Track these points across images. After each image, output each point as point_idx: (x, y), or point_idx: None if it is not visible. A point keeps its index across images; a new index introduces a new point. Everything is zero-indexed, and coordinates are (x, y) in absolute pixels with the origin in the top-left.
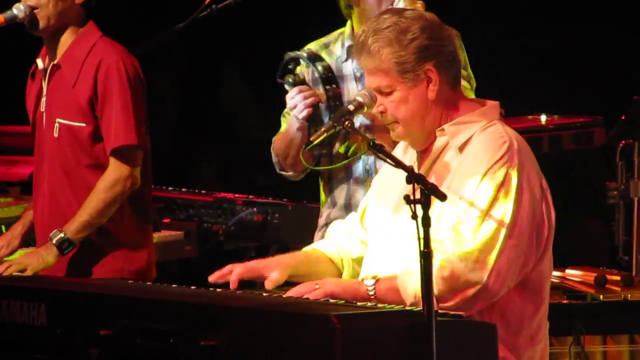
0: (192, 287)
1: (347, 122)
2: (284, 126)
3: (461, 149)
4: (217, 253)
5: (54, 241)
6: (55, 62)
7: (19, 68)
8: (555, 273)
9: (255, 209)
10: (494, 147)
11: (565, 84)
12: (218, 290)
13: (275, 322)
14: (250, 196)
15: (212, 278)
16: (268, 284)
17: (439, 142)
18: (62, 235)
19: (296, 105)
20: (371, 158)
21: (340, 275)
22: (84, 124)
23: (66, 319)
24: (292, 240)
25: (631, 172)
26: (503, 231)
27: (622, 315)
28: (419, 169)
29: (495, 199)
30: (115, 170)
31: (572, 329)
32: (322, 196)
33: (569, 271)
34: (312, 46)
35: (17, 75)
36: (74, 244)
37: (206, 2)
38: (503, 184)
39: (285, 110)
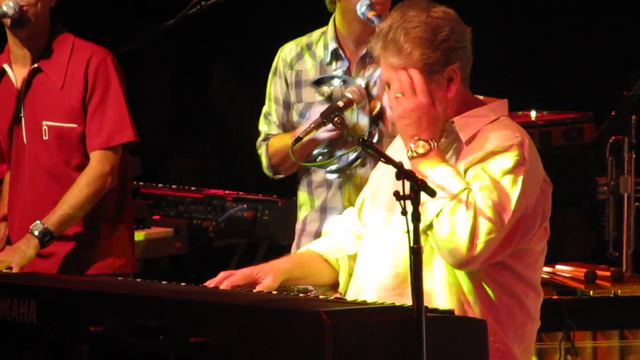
0: (182, 284)
1: (336, 119)
2: (266, 127)
3: (469, 142)
4: (207, 250)
5: (35, 233)
6: (36, 65)
7: None
8: (545, 269)
9: (245, 206)
10: (505, 137)
11: (555, 80)
12: (208, 287)
13: (265, 319)
14: (241, 193)
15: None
16: (259, 289)
17: (448, 137)
18: (44, 226)
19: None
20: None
21: (335, 275)
22: (74, 125)
23: (56, 316)
24: (282, 236)
25: (621, 168)
26: (507, 213)
27: (612, 310)
28: None
29: (503, 176)
30: (99, 165)
31: (562, 325)
32: (301, 200)
33: (558, 267)
34: (293, 46)
35: None
36: (55, 236)
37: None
38: (511, 171)
39: (267, 110)
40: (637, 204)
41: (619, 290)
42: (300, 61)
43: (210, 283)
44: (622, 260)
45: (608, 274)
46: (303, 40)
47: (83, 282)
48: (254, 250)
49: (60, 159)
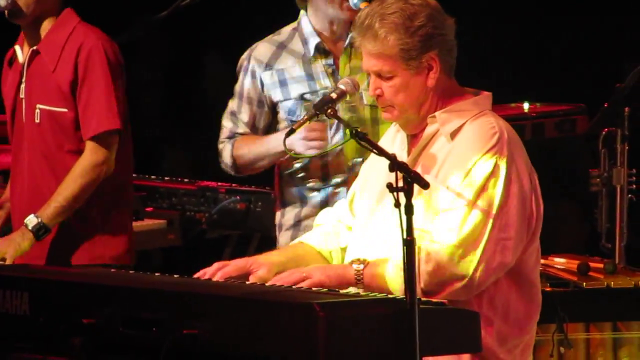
0: (175, 276)
1: (329, 110)
2: (231, 124)
3: (452, 136)
4: (200, 241)
5: (29, 227)
6: (35, 48)
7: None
8: None
9: (238, 197)
10: (484, 137)
11: (548, 72)
12: (201, 279)
13: (257, 311)
14: (233, 184)
15: (198, 275)
16: (253, 280)
17: (430, 128)
18: (38, 220)
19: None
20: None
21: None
22: (65, 110)
23: (49, 308)
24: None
25: (614, 160)
26: (490, 222)
27: (605, 302)
28: (408, 154)
29: (482, 189)
30: (93, 154)
31: (555, 317)
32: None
33: (552, 259)
34: (267, 45)
35: None
36: (49, 230)
37: None
38: (492, 175)
39: (234, 108)
40: (630, 196)
41: (612, 282)
42: (279, 59)
43: (204, 274)
44: (615, 252)
45: (601, 265)
46: (274, 38)
47: (76, 274)
48: (247, 241)
49: (53, 143)
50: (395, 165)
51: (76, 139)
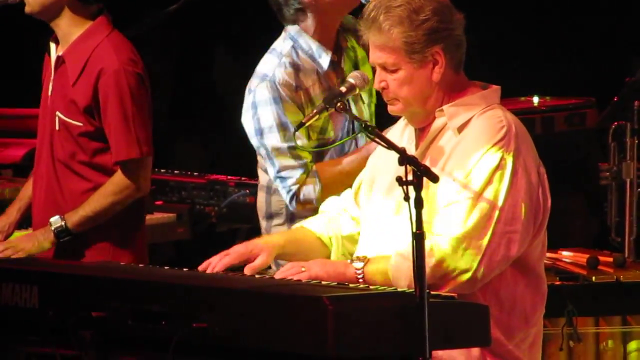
0: (185, 269)
1: (339, 104)
2: (292, 161)
3: (460, 130)
4: (209, 235)
5: (52, 227)
6: (61, 54)
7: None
8: (547, 254)
9: (247, 191)
10: (491, 131)
11: (558, 65)
12: (210, 273)
13: (266, 304)
14: (243, 178)
15: (200, 268)
16: (247, 271)
17: (438, 122)
18: (62, 223)
19: None
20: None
21: (328, 252)
22: (80, 123)
23: (58, 301)
24: None
25: (623, 154)
26: (495, 215)
27: (615, 296)
28: (416, 147)
29: (488, 182)
30: (124, 177)
31: (565, 310)
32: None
33: (561, 252)
34: (282, 70)
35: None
36: (71, 234)
37: None
38: (498, 168)
39: (283, 143)
40: (639, 189)
41: (621, 276)
42: (300, 80)
43: (209, 264)
44: (625, 246)
45: (610, 259)
46: (283, 60)
47: (85, 267)
48: (256, 235)
49: (68, 151)
50: (404, 158)
51: (89, 151)
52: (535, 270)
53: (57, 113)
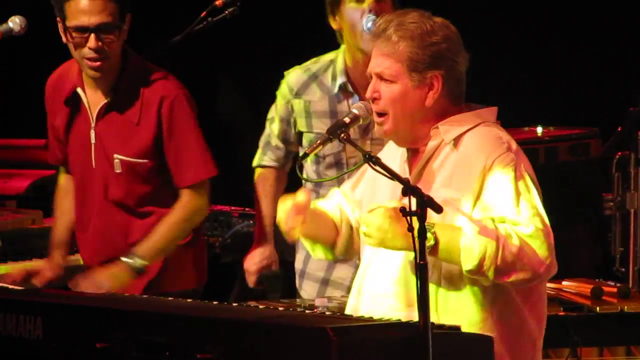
0: (188, 300)
1: (342, 135)
2: (267, 132)
3: (455, 144)
4: (213, 266)
5: (129, 263)
6: (110, 99)
7: (12, 83)
8: (551, 285)
9: (251, 222)
10: (493, 143)
11: (562, 95)
12: (214, 303)
13: (271, 335)
14: (247, 209)
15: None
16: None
17: (433, 142)
18: (136, 257)
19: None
20: None
21: (335, 235)
22: (146, 160)
23: (62, 332)
24: (288, 252)
25: (627, 184)
26: (545, 221)
27: (619, 327)
28: (410, 169)
29: (518, 193)
30: (194, 200)
31: (569, 341)
32: None
33: (565, 283)
34: (300, 73)
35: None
36: (146, 267)
37: (202, 15)
38: (517, 178)
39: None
40: None
41: (626, 307)
42: (307, 90)
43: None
44: (629, 277)
45: (614, 290)
46: (310, 66)
47: (89, 298)
48: None
49: (127, 190)
50: (408, 189)
51: (152, 185)
52: (540, 290)
53: (117, 156)
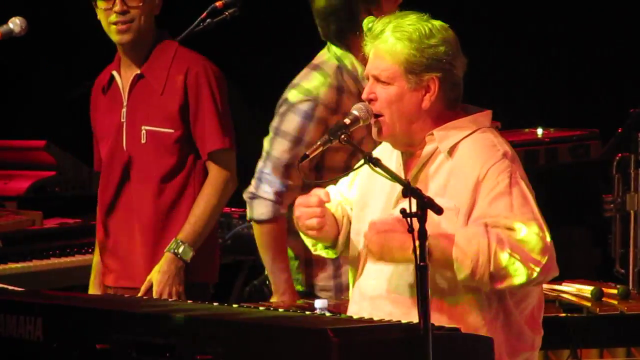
0: (189, 301)
1: (343, 136)
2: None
3: (450, 152)
4: None
5: (174, 251)
6: (139, 71)
7: (12, 84)
8: (551, 286)
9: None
10: (488, 151)
11: (562, 97)
12: (214, 304)
13: (271, 336)
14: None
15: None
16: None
17: (429, 147)
18: (183, 246)
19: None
20: None
21: (338, 232)
22: (172, 130)
23: (62, 333)
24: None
25: (627, 185)
26: (542, 224)
27: (619, 328)
28: (405, 174)
29: (513, 199)
30: (219, 173)
31: (569, 343)
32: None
33: (565, 284)
34: (330, 92)
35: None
36: (193, 250)
37: (202, 16)
38: (512, 185)
39: (284, 163)
40: None
41: (626, 308)
42: (342, 103)
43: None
44: (629, 278)
45: (615, 291)
46: (329, 82)
47: (89, 299)
48: (260, 267)
49: (155, 162)
50: (408, 190)
51: (179, 157)
52: (532, 292)
53: (144, 127)
